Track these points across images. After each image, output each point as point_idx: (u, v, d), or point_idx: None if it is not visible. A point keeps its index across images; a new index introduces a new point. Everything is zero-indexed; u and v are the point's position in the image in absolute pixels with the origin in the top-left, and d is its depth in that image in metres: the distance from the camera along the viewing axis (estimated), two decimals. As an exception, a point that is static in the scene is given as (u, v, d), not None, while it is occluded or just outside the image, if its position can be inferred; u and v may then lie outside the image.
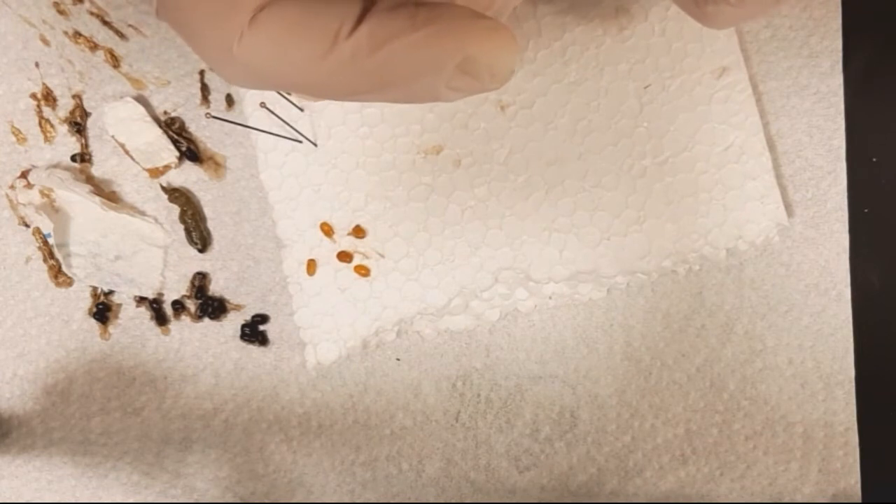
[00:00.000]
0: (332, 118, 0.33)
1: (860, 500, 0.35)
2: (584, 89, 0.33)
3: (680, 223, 0.33)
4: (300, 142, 0.33)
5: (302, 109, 0.33)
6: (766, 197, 0.33)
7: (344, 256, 0.34)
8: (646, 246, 0.33)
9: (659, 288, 0.35)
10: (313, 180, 0.34)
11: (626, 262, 0.33)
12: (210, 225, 0.36)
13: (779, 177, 0.34)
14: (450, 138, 0.33)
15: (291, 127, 0.33)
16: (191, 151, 0.35)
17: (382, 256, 0.34)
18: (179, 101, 0.35)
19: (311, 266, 0.34)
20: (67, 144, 0.36)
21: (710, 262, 0.34)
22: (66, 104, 0.36)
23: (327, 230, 0.34)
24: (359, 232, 0.34)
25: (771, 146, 0.34)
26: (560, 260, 0.33)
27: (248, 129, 0.34)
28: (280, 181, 0.34)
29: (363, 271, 0.34)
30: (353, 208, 0.34)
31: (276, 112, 0.32)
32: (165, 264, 0.36)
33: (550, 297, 0.35)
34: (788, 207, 0.34)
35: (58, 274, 0.36)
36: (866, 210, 0.35)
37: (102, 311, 0.36)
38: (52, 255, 0.36)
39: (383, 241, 0.34)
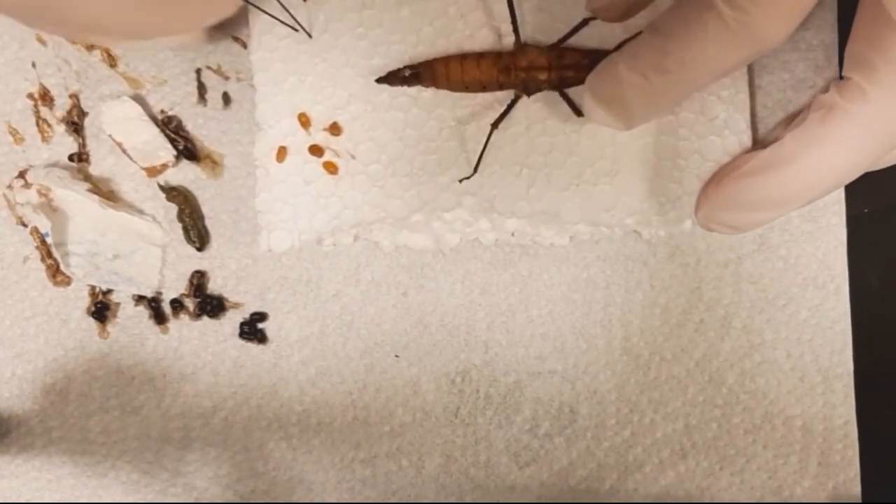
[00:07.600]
0: (331, 13, 0.33)
1: (859, 492, 0.35)
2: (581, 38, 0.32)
3: (652, 184, 0.33)
4: (296, 30, 0.33)
5: None
6: None
7: (316, 150, 0.33)
8: (613, 199, 0.33)
9: (657, 283, 0.35)
10: (301, 70, 0.33)
11: (591, 212, 0.33)
12: (208, 223, 0.36)
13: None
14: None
15: (289, 13, 0.32)
16: (188, 150, 0.35)
17: (353, 157, 0.33)
18: (176, 99, 0.35)
19: (282, 153, 0.34)
20: (65, 144, 0.36)
21: (674, 228, 0.34)
22: (63, 104, 0.36)
23: (304, 121, 0.33)
24: (335, 129, 0.33)
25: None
26: (526, 196, 0.33)
27: (245, 130, 0.34)
28: (268, 65, 0.34)
29: (332, 168, 0.33)
30: (334, 105, 0.33)
31: None
32: (164, 263, 0.36)
33: (513, 234, 0.35)
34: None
35: (56, 273, 0.36)
36: (866, 210, 0.35)
37: (101, 309, 0.36)
38: (50, 255, 0.36)
39: (357, 143, 0.33)
